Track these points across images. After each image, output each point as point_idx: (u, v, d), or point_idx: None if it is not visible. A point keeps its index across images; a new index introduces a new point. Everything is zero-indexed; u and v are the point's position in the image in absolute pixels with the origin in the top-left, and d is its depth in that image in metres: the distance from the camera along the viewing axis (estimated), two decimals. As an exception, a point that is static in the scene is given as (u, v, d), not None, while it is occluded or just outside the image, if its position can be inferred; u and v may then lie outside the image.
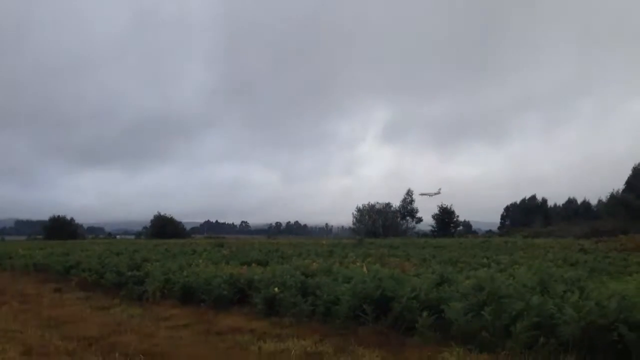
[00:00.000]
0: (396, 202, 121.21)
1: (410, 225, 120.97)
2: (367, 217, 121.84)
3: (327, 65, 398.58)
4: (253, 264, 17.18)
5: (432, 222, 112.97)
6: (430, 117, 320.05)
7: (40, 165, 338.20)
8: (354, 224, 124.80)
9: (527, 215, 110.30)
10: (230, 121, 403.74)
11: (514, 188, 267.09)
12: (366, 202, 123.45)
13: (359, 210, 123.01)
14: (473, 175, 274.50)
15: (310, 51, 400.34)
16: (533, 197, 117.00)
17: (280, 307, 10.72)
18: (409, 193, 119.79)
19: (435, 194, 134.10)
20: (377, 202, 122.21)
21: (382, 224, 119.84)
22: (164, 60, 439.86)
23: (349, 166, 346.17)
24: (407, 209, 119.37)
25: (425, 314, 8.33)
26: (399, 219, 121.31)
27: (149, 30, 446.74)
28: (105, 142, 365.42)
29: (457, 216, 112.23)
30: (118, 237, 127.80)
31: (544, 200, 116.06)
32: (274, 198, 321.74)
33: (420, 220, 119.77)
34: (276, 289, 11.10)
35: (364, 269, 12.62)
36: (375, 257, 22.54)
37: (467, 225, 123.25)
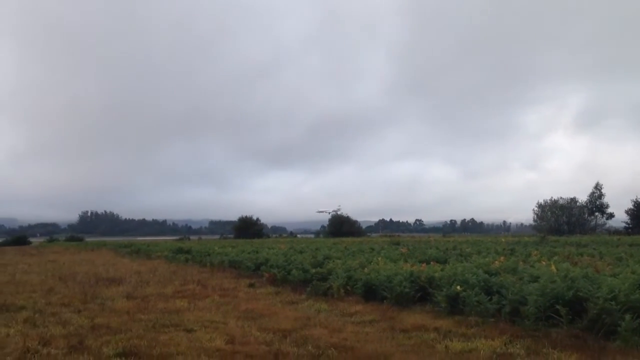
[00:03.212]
0: (583, 197, 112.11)
1: (599, 222, 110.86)
2: (549, 213, 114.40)
3: (514, 51, 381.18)
4: (431, 262, 17.09)
5: (625, 218, 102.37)
6: (634, 101, 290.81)
7: (232, 168, 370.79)
8: (534, 220, 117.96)
9: None
10: (410, 116, 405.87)
11: None
12: (548, 198, 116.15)
13: (540, 206, 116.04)
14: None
15: (496, 37, 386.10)
16: None
17: (463, 305, 10.54)
18: (598, 187, 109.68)
19: (334, 210, 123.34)
20: (561, 197, 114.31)
21: (566, 220, 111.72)
22: (346, 57, 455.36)
23: (533, 159, 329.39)
24: (596, 204, 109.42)
25: (627, 317, 7.65)
26: (586, 215, 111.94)
27: (333, 27, 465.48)
28: (290, 144, 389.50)
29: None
30: (299, 236, 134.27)
31: None
32: (449, 195, 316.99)
33: (611, 216, 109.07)
34: (458, 287, 10.94)
35: (552, 267, 11.93)
36: (562, 255, 21.11)
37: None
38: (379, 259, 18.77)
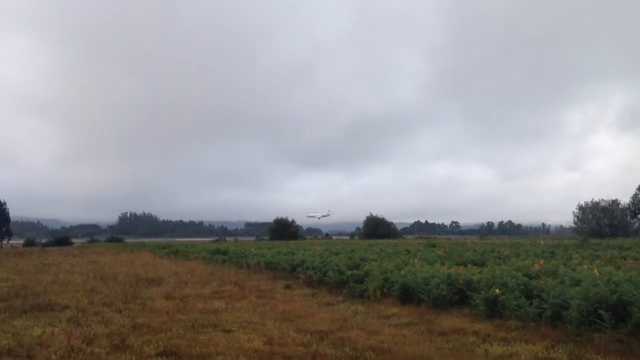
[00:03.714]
0: (626, 199, 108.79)
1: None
2: (590, 215, 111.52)
3: (554, 49, 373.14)
4: (469, 265, 16.89)
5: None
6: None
7: (267, 170, 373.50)
8: (575, 223, 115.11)
9: None
10: (447, 117, 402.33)
11: None
12: (589, 199, 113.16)
13: (580, 208, 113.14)
14: None
15: (535, 35, 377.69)
16: None
17: (503, 309, 10.38)
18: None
19: (324, 215, 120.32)
20: (602, 199, 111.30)
21: (608, 223, 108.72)
22: (382, 57, 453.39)
23: (574, 160, 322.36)
24: (639, 206, 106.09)
25: (675, 322, 7.43)
26: (628, 218, 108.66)
27: (369, 28, 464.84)
28: (326, 145, 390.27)
29: None
30: (334, 237, 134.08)
31: None
32: (487, 197, 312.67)
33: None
34: (497, 291, 10.79)
35: (595, 271, 11.66)
36: (604, 258, 20.62)
37: None
38: (416, 261, 18.67)
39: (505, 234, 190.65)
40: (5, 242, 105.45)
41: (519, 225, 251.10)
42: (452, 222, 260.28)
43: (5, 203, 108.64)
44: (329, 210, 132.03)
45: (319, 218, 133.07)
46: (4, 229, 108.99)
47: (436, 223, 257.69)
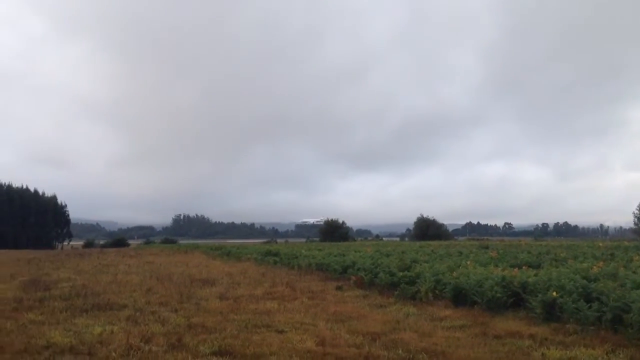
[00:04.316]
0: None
1: None
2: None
3: (615, 44, 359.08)
4: (524, 267, 16.51)
5: None
6: None
7: (318, 171, 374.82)
8: (635, 224, 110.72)
9: None
10: (501, 116, 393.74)
11: None
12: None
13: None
14: None
15: (593, 29, 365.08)
16: None
17: (560, 312, 10.11)
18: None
19: (317, 221, 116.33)
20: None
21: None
22: (433, 56, 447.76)
23: (636, 158, 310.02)
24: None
25: None
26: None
27: (420, 27, 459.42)
28: (376, 146, 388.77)
29: None
30: (384, 239, 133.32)
31: None
32: (542, 197, 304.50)
33: None
34: (555, 293, 10.51)
35: (658, 274, 11.23)
36: (667, 260, 19.77)
37: None
38: (468, 262, 18.38)
39: (561, 236, 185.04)
40: (66, 243, 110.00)
41: (576, 227, 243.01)
42: (505, 223, 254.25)
43: (65, 206, 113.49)
44: (323, 218, 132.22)
45: (313, 223, 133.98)
46: (64, 231, 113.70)
47: (488, 224, 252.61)
